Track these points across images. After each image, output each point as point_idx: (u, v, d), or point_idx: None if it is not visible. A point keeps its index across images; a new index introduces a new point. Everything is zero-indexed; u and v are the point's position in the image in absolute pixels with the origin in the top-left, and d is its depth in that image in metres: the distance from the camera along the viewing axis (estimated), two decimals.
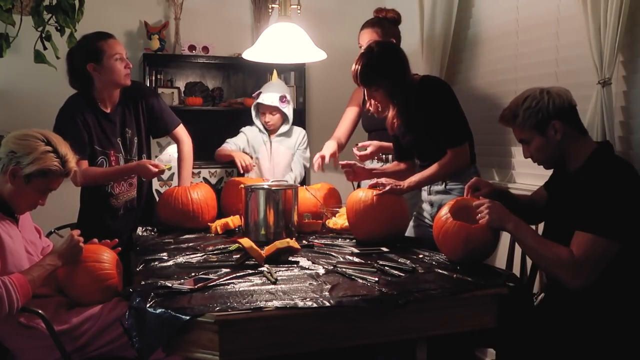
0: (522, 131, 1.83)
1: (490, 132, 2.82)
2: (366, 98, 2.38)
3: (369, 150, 2.77)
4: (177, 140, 2.84)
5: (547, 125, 1.77)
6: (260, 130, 3.21)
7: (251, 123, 3.25)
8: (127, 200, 2.69)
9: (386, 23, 2.84)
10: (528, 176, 2.62)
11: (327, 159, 2.87)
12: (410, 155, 2.54)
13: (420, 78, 2.37)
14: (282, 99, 3.13)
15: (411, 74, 2.36)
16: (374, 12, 2.93)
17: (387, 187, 2.24)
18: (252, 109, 3.20)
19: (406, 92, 2.29)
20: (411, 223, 2.62)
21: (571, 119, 1.79)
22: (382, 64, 2.25)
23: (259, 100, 3.12)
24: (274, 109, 3.13)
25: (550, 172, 1.99)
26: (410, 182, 2.30)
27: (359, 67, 2.27)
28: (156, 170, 2.51)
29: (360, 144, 2.83)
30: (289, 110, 3.18)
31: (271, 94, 3.12)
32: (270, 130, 3.21)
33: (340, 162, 2.57)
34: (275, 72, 3.38)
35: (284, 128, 3.21)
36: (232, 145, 3.15)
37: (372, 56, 2.26)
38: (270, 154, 3.20)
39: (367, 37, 2.79)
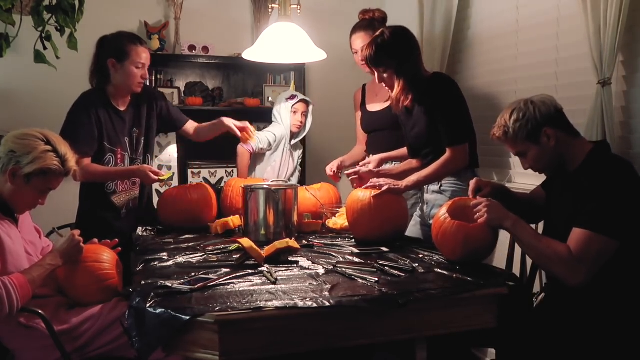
0: (516, 144, 1.84)
1: (489, 132, 2.81)
2: (377, 81, 2.39)
3: (371, 166, 2.64)
4: (188, 129, 2.88)
5: (539, 134, 1.78)
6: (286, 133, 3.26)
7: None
8: (129, 199, 2.69)
9: (377, 24, 2.83)
10: (527, 176, 2.62)
11: (333, 169, 2.86)
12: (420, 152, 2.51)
13: (432, 74, 2.38)
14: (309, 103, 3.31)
15: (422, 62, 2.37)
16: (360, 15, 2.92)
17: (385, 187, 2.23)
18: (284, 110, 3.23)
19: (414, 73, 2.30)
20: (412, 222, 2.62)
21: (560, 123, 1.80)
22: (391, 45, 2.28)
23: (304, 97, 3.26)
24: (304, 112, 3.27)
25: None
26: (408, 181, 2.29)
27: (368, 50, 2.30)
28: (156, 177, 2.52)
29: (360, 164, 2.72)
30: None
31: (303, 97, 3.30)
32: (291, 135, 3.27)
33: (346, 172, 2.57)
34: (293, 82, 3.77)
35: (302, 134, 3.33)
36: (262, 138, 3.18)
37: (383, 38, 2.29)
38: (290, 159, 3.29)
39: (361, 41, 2.78)
